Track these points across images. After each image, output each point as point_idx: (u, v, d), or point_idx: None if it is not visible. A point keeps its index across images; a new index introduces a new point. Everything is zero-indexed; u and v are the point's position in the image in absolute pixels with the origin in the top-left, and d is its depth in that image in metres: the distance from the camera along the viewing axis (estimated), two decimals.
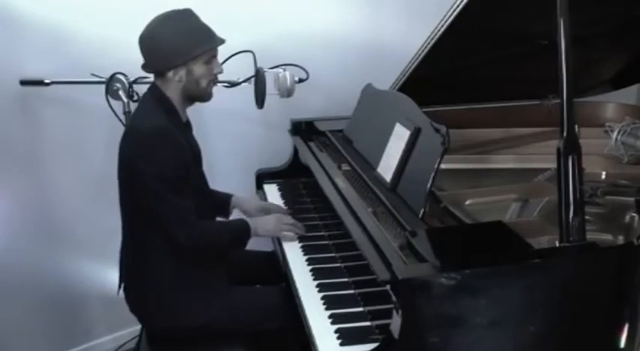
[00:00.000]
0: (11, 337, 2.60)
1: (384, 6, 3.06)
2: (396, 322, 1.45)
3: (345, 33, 3.01)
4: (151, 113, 2.02)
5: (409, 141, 1.94)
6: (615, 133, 2.33)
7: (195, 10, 2.05)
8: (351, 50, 3.02)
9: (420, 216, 1.76)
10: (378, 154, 2.09)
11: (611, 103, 2.65)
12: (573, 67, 1.53)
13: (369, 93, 2.45)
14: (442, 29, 2.07)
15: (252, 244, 2.21)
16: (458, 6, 1.98)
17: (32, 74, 2.46)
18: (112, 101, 2.37)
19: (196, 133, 2.22)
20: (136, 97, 2.34)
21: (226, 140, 2.95)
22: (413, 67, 2.29)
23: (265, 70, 2.42)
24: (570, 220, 1.51)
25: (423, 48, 2.20)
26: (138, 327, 2.40)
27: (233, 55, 2.41)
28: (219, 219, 2.35)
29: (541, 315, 1.51)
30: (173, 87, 2.04)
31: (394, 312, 1.46)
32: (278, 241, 2.26)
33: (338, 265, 2.07)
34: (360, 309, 1.83)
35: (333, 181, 2.16)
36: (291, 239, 2.20)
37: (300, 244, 2.20)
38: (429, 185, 1.76)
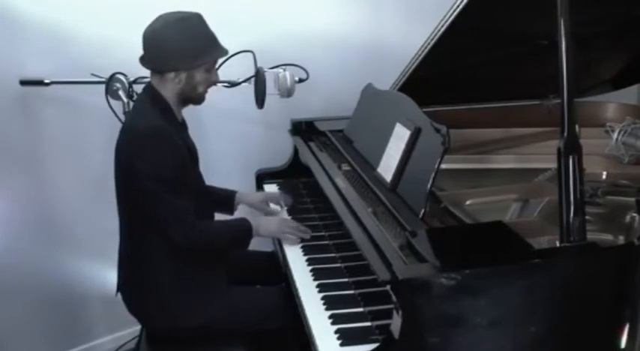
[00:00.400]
0: (11, 337, 2.60)
1: (384, 6, 3.05)
2: (396, 323, 1.45)
3: (345, 33, 3.01)
4: (147, 113, 2.02)
5: (409, 141, 1.94)
6: (616, 133, 2.33)
7: (197, 10, 2.05)
8: (351, 50, 3.01)
9: (421, 216, 1.76)
10: (379, 154, 2.08)
11: (611, 103, 2.65)
12: (574, 67, 1.53)
13: (369, 93, 2.45)
14: (442, 29, 2.07)
15: (253, 244, 2.21)
16: (458, 6, 1.98)
17: (32, 74, 2.46)
18: (112, 101, 2.37)
19: (196, 133, 2.22)
20: (135, 97, 2.33)
21: (226, 140, 2.95)
22: (413, 67, 2.28)
23: (265, 70, 2.42)
24: (571, 220, 1.51)
25: (423, 48, 2.20)
26: (138, 327, 2.40)
27: (233, 55, 2.40)
28: (223, 216, 2.35)
29: (541, 315, 1.51)
30: (170, 87, 2.04)
31: (394, 312, 1.46)
32: (278, 242, 2.26)
33: (338, 265, 2.07)
34: (361, 309, 1.82)
35: (334, 181, 2.16)
36: (293, 242, 2.20)
37: (301, 245, 2.20)
38: (429, 185, 1.76)
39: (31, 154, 2.57)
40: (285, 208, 2.47)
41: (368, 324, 1.75)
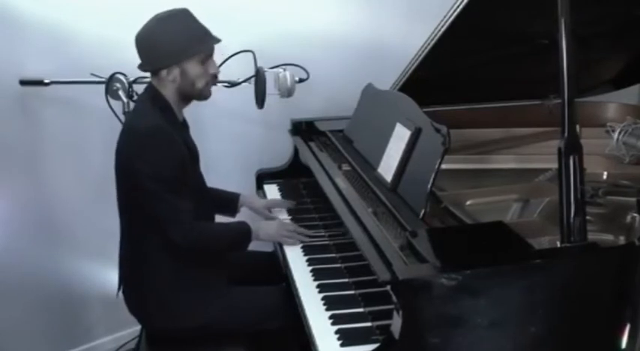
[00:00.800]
0: (11, 337, 2.60)
1: (385, 6, 3.05)
2: (396, 323, 1.45)
3: (345, 33, 3.00)
4: (147, 113, 2.02)
5: (410, 141, 1.94)
6: (616, 133, 2.33)
7: (196, 10, 2.05)
8: (351, 50, 3.01)
9: (421, 216, 1.75)
10: (379, 154, 2.08)
11: (612, 103, 2.65)
12: (574, 67, 1.52)
13: (369, 93, 2.45)
14: (443, 29, 2.07)
15: (253, 245, 2.21)
16: (458, 6, 1.98)
17: (32, 74, 2.46)
18: (112, 101, 2.36)
19: (196, 133, 2.22)
20: (135, 97, 2.33)
21: (226, 140, 2.95)
22: (413, 67, 2.28)
23: (265, 69, 2.42)
24: (571, 220, 1.51)
25: (423, 48, 2.20)
26: (138, 327, 2.40)
27: (233, 55, 2.41)
28: (224, 218, 2.35)
29: (542, 315, 1.51)
30: (169, 87, 2.03)
31: (395, 312, 1.46)
32: (279, 242, 2.25)
33: (338, 265, 2.06)
34: (361, 309, 1.82)
35: (334, 181, 2.16)
36: (292, 245, 2.19)
37: (301, 245, 2.19)
38: (429, 185, 1.76)
39: (30, 154, 2.57)
40: (286, 209, 2.47)
41: (368, 324, 1.75)
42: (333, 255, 2.11)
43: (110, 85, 2.35)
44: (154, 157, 1.94)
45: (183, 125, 2.16)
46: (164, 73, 2.00)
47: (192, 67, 2.02)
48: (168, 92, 2.05)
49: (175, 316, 2.04)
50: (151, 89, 2.06)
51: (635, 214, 1.85)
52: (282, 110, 2.75)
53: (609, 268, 1.59)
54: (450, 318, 1.46)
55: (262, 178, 2.74)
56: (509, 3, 1.98)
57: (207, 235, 2.08)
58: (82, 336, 2.86)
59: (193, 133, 2.20)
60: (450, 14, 2.02)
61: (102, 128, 2.51)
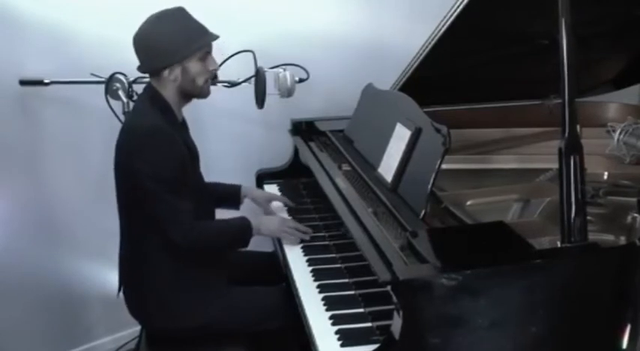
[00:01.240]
0: (11, 337, 2.60)
1: (385, 6, 3.05)
2: (396, 323, 1.45)
3: (345, 33, 3.00)
4: (147, 113, 2.02)
5: (410, 141, 1.94)
6: (617, 133, 2.32)
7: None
8: (351, 50, 3.01)
9: (421, 216, 1.75)
10: (379, 154, 2.08)
11: (612, 103, 2.65)
12: (575, 67, 1.52)
13: (369, 93, 2.44)
14: (443, 29, 2.07)
15: (253, 245, 2.20)
16: (459, 6, 1.98)
17: (32, 74, 2.46)
18: (112, 101, 2.36)
19: (196, 133, 2.22)
20: (135, 97, 2.33)
21: (226, 140, 2.94)
22: (414, 67, 2.28)
23: (265, 69, 2.41)
24: (572, 220, 1.51)
25: (424, 48, 2.20)
26: (138, 328, 2.39)
27: (233, 55, 2.40)
28: (228, 213, 2.35)
29: (542, 316, 1.51)
30: (169, 86, 2.03)
31: (395, 313, 1.46)
32: (278, 242, 2.26)
33: (338, 265, 2.06)
34: (361, 310, 1.82)
35: (334, 181, 2.16)
36: (292, 242, 2.19)
37: (301, 245, 2.19)
38: (430, 185, 1.76)
39: (30, 154, 2.57)
40: (286, 208, 2.47)
41: (368, 324, 1.75)
42: (334, 255, 2.11)
43: (110, 85, 2.35)
44: (154, 157, 1.94)
45: (183, 125, 2.15)
46: (166, 72, 2.00)
47: (193, 65, 2.02)
48: (168, 92, 2.04)
49: (175, 316, 2.04)
50: (150, 90, 2.06)
51: (636, 215, 1.85)
52: (282, 110, 2.75)
53: (610, 268, 1.59)
54: (451, 318, 1.46)
55: (262, 178, 2.74)
56: (509, 3, 1.98)
57: (208, 233, 2.08)
58: (82, 336, 2.86)
59: (193, 133, 2.20)
60: (450, 14, 2.02)
61: (102, 128, 2.51)
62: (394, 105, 2.15)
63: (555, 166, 1.56)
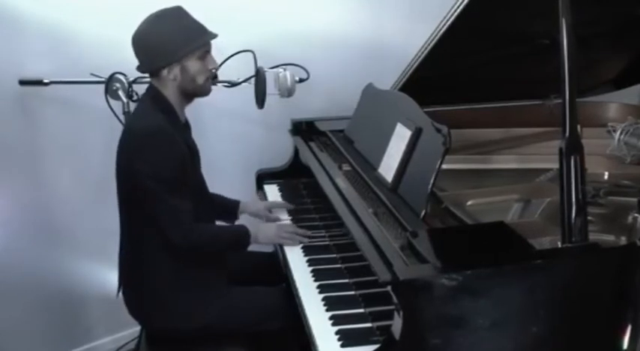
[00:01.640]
0: (11, 337, 2.60)
1: (385, 6, 3.05)
2: (397, 324, 1.45)
3: (345, 32, 3.00)
4: (148, 114, 2.01)
5: (410, 141, 1.93)
6: (618, 133, 2.32)
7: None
8: (351, 50, 3.01)
9: (421, 216, 1.75)
10: (379, 154, 2.08)
11: (613, 103, 2.65)
12: (575, 67, 1.52)
13: (369, 93, 2.44)
14: (443, 29, 2.07)
15: (253, 245, 2.20)
16: (459, 6, 1.97)
17: (31, 74, 2.45)
18: (112, 101, 2.36)
19: (197, 133, 2.22)
20: (135, 97, 2.33)
21: (226, 140, 2.94)
22: (414, 66, 2.28)
23: (265, 69, 2.41)
24: (572, 220, 1.51)
25: (424, 48, 2.20)
26: (138, 328, 2.39)
27: (233, 55, 2.40)
28: (223, 223, 2.35)
29: (543, 316, 1.51)
30: (169, 86, 2.03)
31: (395, 313, 1.46)
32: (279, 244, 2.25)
33: (339, 266, 2.06)
34: (361, 310, 1.82)
35: (334, 181, 2.16)
36: (292, 245, 2.19)
37: (301, 245, 2.19)
38: (430, 186, 1.75)
39: (30, 154, 2.57)
40: (286, 210, 2.46)
41: (369, 325, 1.75)
42: (334, 255, 2.11)
43: (110, 85, 2.35)
44: (154, 158, 1.94)
45: (186, 126, 2.15)
46: (165, 72, 2.00)
47: (192, 64, 2.01)
48: (170, 92, 2.04)
49: (175, 316, 2.04)
50: (151, 90, 2.06)
51: (637, 215, 1.85)
52: (282, 110, 2.74)
53: (610, 268, 1.58)
54: (451, 318, 1.46)
55: (262, 178, 2.74)
56: (509, 3, 1.97)
57: (207, 236, 2.08)
58: (81, 336, 2.86)
59: (194, 133, 2.20)
60: (450, 14, 2.02)
61: (101, 128, 2.51)
62: (394, 105, 2.15)
63: (556, 166, 1.56)
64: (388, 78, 2.42)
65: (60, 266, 2.72)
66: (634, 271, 1.56)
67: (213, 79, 2.15)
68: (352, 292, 1.91)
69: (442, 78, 2.34)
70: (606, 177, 2.21)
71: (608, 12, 2.15)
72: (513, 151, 2.44)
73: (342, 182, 2.13)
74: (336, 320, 1.77)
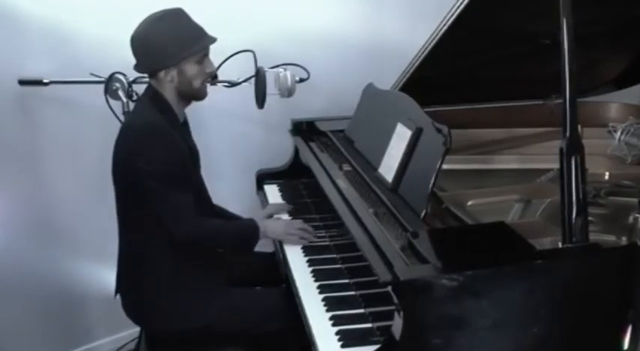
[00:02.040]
0: (10, 338, 2.60)
1: (386, 5, 3.05)
2: (397, 324, 1.44)
3: (346, 32, 3.00)
4: (147, 112, 2.02)
5: (411, 141, 1.93)
6: (619, 133, 2.32)
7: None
8: (352, 50, 3.01)
9: (422, 217, 1.75)
10: (380, 154, 2.08)
11: (614, 103, 2.64)
12: (576, 67, 1.52)
13: (370, 93, 2.44)
14: (444, 29, 2.06)
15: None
16: (459, 6, 1.97)
17: (31, 74, 2.45)
18: (111, 101, 2.36)
19: (197, 133, 2.21)
20: (135, 97, 2.33)
21: (226, 140, 2.94)
22: (415, 66, 2.28)
23: (266, 69, 2.41)
24: (573, 220, 1.50)
25: (424, 47, 2.19)
26: (137, 329, 2.39)
27: (233, 55, 2.40)
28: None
29: (543, 316, 1.50)
30: (167, 87, 2.03)
31: (395, 313, 1.45)
32: (279, 242, 2.25)
33: (339, 266, 2.06)
34: (362, 310, 1.82)
35: (334, 181, 2.15)
36: (296, 244, 2.18)
37: (301, 245, 2.18)
38: (430, 186, 1.75)
39: (30, 154, 2.56)
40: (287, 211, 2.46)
41: (369, 325, 1.75)
42: (334, 256, 2.11)
43: (109, 84, 2.35)
44: (155, 154, 1.94)
45: (184, 125, 2.15)
46: (162, 74, 2.00)
47: (190, 67, 2.01)
48: (168, 92, 2.04)
49: (175, 317, 2.03)
50: (150, 90, 2.06)
51: (638, 215, 1.85)
52: (282, 110, 2.74)
53: (611, 268, 1.58)
54: (452, 319, 1.46)
55: (262, 178, 2.73)
56: (510, 3, 1.97)
57: (212, 231, 2.07)
58: (81, 337, 2.86)
59: (194, 133, 2.20)
60: (451, 14, 2.01)
61: (101, 128, 2.51)
62: (395, 105, 2.15)
63: (556, 166, 1.56)
64: (388, 78, 2.42)
65: (60, 266, 2.72)
66: (635, 271, 1.56)
67: (213, 78, 2.14)
68: (352, 293, 1.91)
69: (443, 78, 2.34)
70: (607, 177, 2.21)
71: (608, 12, 2.15)
72: (514, 152, 2.43)
73: (342, 182, 2.13)
74: (336, 321, 1.77)
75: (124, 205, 2.07)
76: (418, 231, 1.65)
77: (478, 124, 2.57)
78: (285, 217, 2.41)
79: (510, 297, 1.50)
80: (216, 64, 2.32)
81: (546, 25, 1.60)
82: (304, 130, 2.70)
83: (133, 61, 2.05)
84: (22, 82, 2.45)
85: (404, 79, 2.35)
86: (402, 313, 1.43)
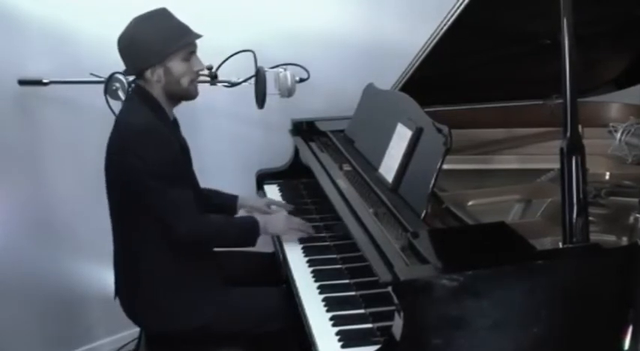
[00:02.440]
0: (10, 338, 2.59)
1: (386, 5, 3.04)
2: (397, 324, 1.44)
3: (346, 32, 3.00)
4: (137, 111, 2.01)
5: (411, 141, 1.93)
6: (619, 133, 2.32)
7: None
8: (352, 50, 3.01)
9: (422, 217, 1.75)
10: (380, 154, 2.07)
11: (614, 103, 2.64)
12: (577, 67, 1.51)
13: (370, 93, 2.44)
14: (444, 28, 2.06)
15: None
16: (459, 5, 1.97)
17: (31, 74, 2.45)
18: (111, 101, 2.35)
19: (196, 133, 2.22)
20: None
21: (226, 140, 2.94)
22: (415, 66, 2.27)
23: (266, 69, 2.41)
24: (574, 221, 1.50)
25: (425, 47, 2.19)
26: (137, 329, 2.38)
27: (233, 55, 2.40)
28: None
29: (544, 317, 1.50)
30: (155, 87, 2.02)
31: (396, 314, 1.45)
32: (279, 242, 2.25)
33: (339, 266, 2.06)
34: (362, 311, 1.81)
35: (335, 181, 2.15)
36: (293, 240, 2.18)
37: (301, 246, 2.19)
38: (431, 186, 1.75)
39: (29, 154, 2.56)
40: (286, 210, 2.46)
41: (369, 325, 1.75)
42: (334, 256, 2.11)
43: (109, 84, 2.34)
44: (151, 154, 1.93)
45: (174, 124, 2.14)
46: (148, 73, 1.99)
47: (176, 66, 2.00)
48: (156, 92, 2.03)
49: (174, 318, 2.03)
50: (139, 89, 2.05)
51: (638, 215, 1.84)
52: (282, 110, 2.74)
53: (612, 269, 1.58)
54: (452, 319, 1.45)
55: (262, 178, 2.73)
56: (510, 3, 1.97)
57: (213, 228, 2.06)
58: (81, 337, 2.86)
59: (193, 133, 2.20)
60: (451, 13, 2.01)
61: (101, 128, 2.48)
62: (395, 105, 2.15)
63: (557, 166, 1.56)
64: (389, 78, 2.42)
65: (60, 266, 2.72)
66: (635, 271, 1.56)
67: (213, 78, 2.14)
68: (353, 293, 1.91)
69: (443, 78, 2.34)
70: (607, 177, 2.21)
71: (608, 12, 2.14)
72: (514, 152, 2.43)
73: (342, 183, 2.12)
74: (336, 321, 1.77)
75: (119, 205, 2.06)
76: (418, 231, 1.65)
77: (478, 124, 2.57)
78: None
79: (511, 297, 1.49)
80: (216, 64, 2.32)
81: (546, 25, 1.60)
82: (304, 130, 2.70)
83: None
84: (22, 82, 2.45)
85: (404, 79, 2.35)
86: (402, 314, 1.42)
